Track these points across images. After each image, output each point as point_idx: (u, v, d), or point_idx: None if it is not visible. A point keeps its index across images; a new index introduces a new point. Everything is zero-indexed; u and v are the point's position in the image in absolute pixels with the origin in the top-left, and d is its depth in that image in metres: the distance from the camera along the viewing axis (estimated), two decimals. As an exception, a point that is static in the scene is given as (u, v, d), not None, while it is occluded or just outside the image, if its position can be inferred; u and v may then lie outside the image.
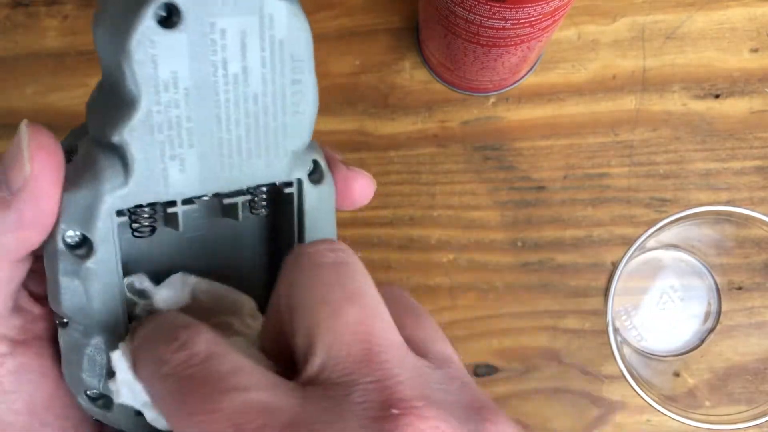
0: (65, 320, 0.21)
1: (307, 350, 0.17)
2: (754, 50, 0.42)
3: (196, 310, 0.22)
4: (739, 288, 0.41)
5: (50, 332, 0.22)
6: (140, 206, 0.20)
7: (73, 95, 0.43)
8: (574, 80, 0.42)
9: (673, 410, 0.34)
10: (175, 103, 0.19)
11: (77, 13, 0.43)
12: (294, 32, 0.20)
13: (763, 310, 0.40)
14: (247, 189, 0.21)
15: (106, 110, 0.19)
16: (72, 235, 0.19)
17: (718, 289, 0.42)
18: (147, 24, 0.18)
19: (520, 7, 0.29)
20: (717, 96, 0.42)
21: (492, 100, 0.42)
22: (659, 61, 0.42)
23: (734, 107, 0.42)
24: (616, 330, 0.36)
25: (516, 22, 0.30)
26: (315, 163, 0.22)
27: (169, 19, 0.18)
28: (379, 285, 0.20)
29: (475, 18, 0.31)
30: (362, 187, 0.24)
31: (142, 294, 0.22)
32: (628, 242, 0.35)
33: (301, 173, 0.22)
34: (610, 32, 0.42)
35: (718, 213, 0.35)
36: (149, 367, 0.18)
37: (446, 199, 0.42)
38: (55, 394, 0.21)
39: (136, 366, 0.19)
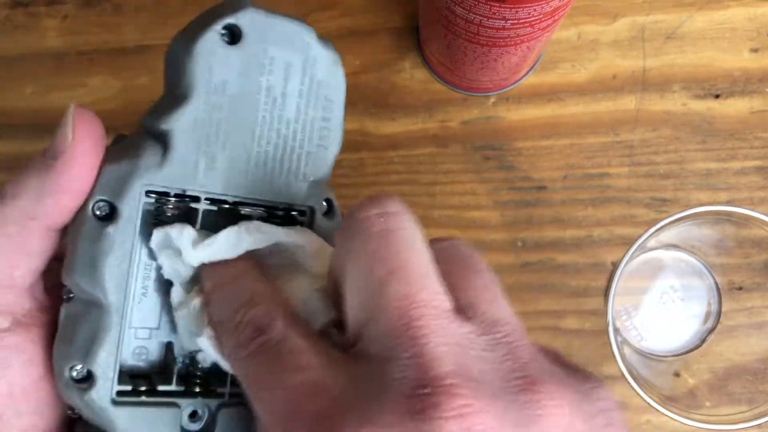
0: (72, 294, 0.22)
1: (354, 324, 0.19)
2: (754, 50, 0.42)
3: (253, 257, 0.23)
4: (740, 288, 0.41)
5: (50, 326, 0.22)
6: (168, 195, 0.22)
7: (73, 95, 0.43)
8: (574, 80, 0.42)
9: (674, 410, 0.34)
10: (219, 106, 0.22)
11: (77, 13, 0.43)
12: (331, 77, 0.24)
13: (764, 310, 0.40)
14: (265, 206, 0.24)
15: (160, 106, 0.22)
16: (102, 206, 0.21)
17: (718, 289, 0.42)
18: (211, 36, 0.22)
19: (519, 7, 0.29)
20: (717, 96, 0.42)
21: (492, 99, 0.42)
22: (659, 61, 0.42)
23: (734, 107, 0.42)
24: (616, 330, 0.36)
25: (516, 21, 0.30)
26: (329, 202, 0.25)
27: (232, 37, 0.22)
28: (440, 240, 0.20)
29: (475, 18, 0.31)
30: None
31: (172, 251, 0.22)
32: (628, 242, 0.35)
33: (316, 204, 0.24)
34: (610, 32, 0.42)
35: (718, 213, 0.35)
36: (234, 349, 0.20)
37: (446, 199, 0.42)
38: (37, 386, 0.22)
39: (223, 343, 0.21)
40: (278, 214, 0.24)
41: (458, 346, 0.17)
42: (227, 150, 0.22)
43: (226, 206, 0.23)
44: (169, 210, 0.22)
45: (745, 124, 0.42)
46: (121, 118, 0.43)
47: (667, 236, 0.40)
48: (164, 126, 0.21)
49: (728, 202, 0.42)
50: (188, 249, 0.22)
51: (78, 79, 0.43)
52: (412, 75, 0.43)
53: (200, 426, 0.23)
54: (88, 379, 0.21)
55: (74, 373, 0.21)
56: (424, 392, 0.16)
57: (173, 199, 0.22)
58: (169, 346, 0.23)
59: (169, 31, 0.43)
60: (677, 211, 0.34)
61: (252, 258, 0.22)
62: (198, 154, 0.22)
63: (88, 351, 0.21)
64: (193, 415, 0.23)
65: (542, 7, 0.29)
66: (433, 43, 0.38)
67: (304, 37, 0.23)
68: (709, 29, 0.42)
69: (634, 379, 0.35)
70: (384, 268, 0.18)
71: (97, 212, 0.21)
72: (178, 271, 0.22)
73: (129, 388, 0.22)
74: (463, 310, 0.18)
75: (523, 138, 0.42)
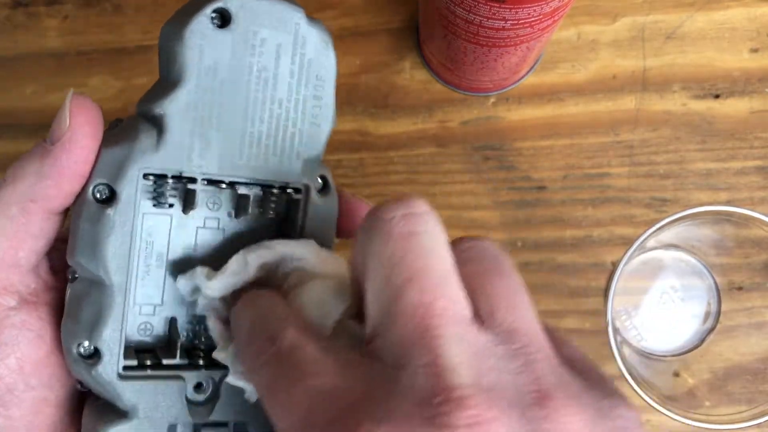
0: (76, 274, 0.23)
1: (372, 323, 0.18)
2: (754, 50, 0.42)
3: (268, 274, 0.23)
4: (739, 288, 0.41)
5: (57, 303, 0.23)
6: (165, 177, 0.22)
7: (73, 95, 0.43)
8: (574, 80, 0.42)
9: (673, 410, 0.34)
10: (211, 89, 0.22)
11: (77, 13, 0.43)
12: (321, 56, 0.24)
13: (763, 310, 0.40)
14: (261, 186, 0.24)
15: (154, 91, 0.23)
16: (101, 189, 0.22)
17: (718, 289, 0.42)
18: (201, 20, 0.22)
19: (519, 8, 0.29)
20: (717, 96, 0.42)
21: (492, 100, 0.42)
22: (659, 61, 0.42)
23: (734, 107, 0.42)
24: (616, 330, 0.36)
25: (516, 22, 0.30)
26: (324, 179, 0.25)
27: (222, 20, 0.22)
28: (466, 239, 0.20)
29: (475, 18, 0.31)
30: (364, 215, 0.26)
31: (197, 290, 0.23)
32: (628, 242, 0.35)
33: (311, 182, 0.25)
34: (610, 32, 0.42)
35: (718, 213, 0.35)
36: (249, 361, 0.20)
37: (446, 199, 0.42)
38: (46, 361, 0.23)
39: (240, 359, 0.22)
40: (274, 191, 0.24)
41: (474, 355, 0.17)
42: (221, 131, 0.23)
43: (223, 186, 0.23)
44: (168, 192, 0.23)
45: (745, 124, 0.42)
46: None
47: (666, 236, 0.40)
48: (158, 110, 0.22)
49: (728, 202, 0.42)
50: (204, 282, 0.23)
51: (78, 79, 0.43)
52: (412, 75, 0.43)
53: (204, 397, 0.24)
54: (94, 355, 0.22)
55: (81, 350, 0.22)
56: (435, 401, 0.16)
57: (170, 181, 0.23)
58: (172, 321, 0.24)
59: (169, 31, 0.43)
60: (677, 211, 0.34)
61: (271, 289, 0.23)
62: (192, 136, 0.22)
63: (93, 328, 0.22)
64: (198, 387, 0.24)
65: (542, 8, 0.29)
66: (433, 43, 0.38)
67: (294, 17, 0.23)
68: (709, 29, 0.42)
69: (634, 378, 0.35)
70: (401, 276, 0.18)
71: (97, 195, 0.22)
72: (208, 306, 0.24)
73: (135, 362, 0.23)
74: (482, 316, 0.18)
75: (523, 138, 0.42)
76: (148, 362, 0.23)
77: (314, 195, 0.25)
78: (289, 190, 0.25)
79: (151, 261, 0.23)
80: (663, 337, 0.42)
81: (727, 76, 0.42)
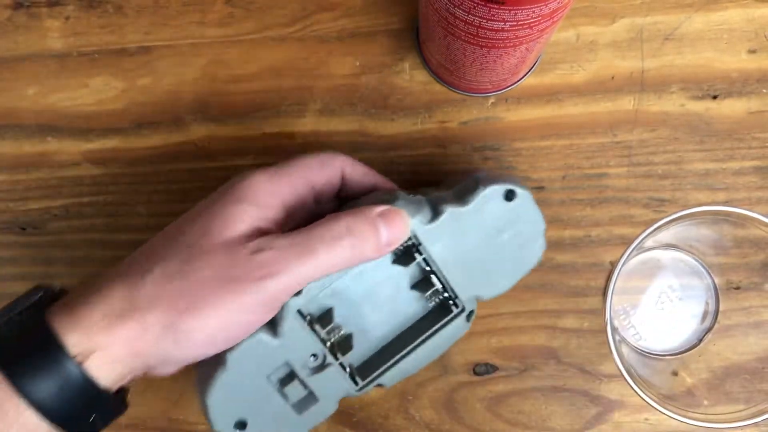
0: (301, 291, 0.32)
1: None
2: (752, 51, 0.42)
3: None
4: (737, 288, 0.41)
5: None
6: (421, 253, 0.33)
7: (75, 96, 0.43)
8: (572, 81, 0.42)
9: (672, 409, 0.35)
10: (484, 236, 0.34)
11: (79, 14, 0.43)
12: (534, 251, 0.35)
13: (761, 309, 0.40)
14: (445, 287, 0.34)
15: (460, 191, 0.34)
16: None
17: (716, 289, 0.42)
18: (498, 191, 0.34)
19: (518, 9, 0.29)
20: (715, 96, 0.42)
21: (491, 100, 0.42)
22: (658, 62, 0.42)
23: (732, 108, 0.42)
24: (614, 329, 0.36)
25: (515, 23, 0.30)
26: (472, 312, 0.35)
27: (508, 196, 0.34)
28: None
29: (474, 19, 0.31)
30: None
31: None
32: (626, 242, 0.35)
33: (469, 309, 0.35)
34: (609, 33, 0.43)
35: (716, 213, 0.35)
36: None
37: (446, 199, 0.42)
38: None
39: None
40: (446, 294, 0.35)
41: None
42: (469, 255, 0.34)
43: (431, 273, 0.34)
44: (399, 249, 0.34)
45: (742, 124, 0.42)
46: (123, 119, 0.43)
47: (665, 236, 0.40)
48: (444, 212, 0.33)
49: (726, 202, 0.42)
50: None
51: (80, 79, 0.43)
52: (412, 76, 0.43)
53: (316, 365, 0.34)
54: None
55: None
56: None
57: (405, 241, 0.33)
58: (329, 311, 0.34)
59: (169, 31, 0.43)
60: (675, 211, 0.34)
61: None
62: (442, 234, 0.33)
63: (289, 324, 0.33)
64: (314, 356, 0.34)
65: (541, 9, 0.29)
66: (432, 44, 0.38)
67: (538, 222, 0.35)
68: (708, 30, 0.42)
69: (633, 378, 0.35)
70: None
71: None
72: None
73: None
74: None
75: (522, 138, 0.42)
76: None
77: (463, 317, 0.35)
78: (451, 301, 0.35)
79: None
80: (661, 337, 0.42)
81: (725, 77, 0.42)
